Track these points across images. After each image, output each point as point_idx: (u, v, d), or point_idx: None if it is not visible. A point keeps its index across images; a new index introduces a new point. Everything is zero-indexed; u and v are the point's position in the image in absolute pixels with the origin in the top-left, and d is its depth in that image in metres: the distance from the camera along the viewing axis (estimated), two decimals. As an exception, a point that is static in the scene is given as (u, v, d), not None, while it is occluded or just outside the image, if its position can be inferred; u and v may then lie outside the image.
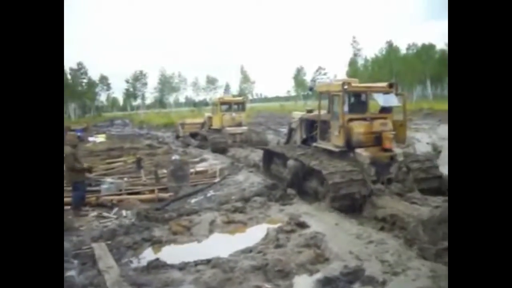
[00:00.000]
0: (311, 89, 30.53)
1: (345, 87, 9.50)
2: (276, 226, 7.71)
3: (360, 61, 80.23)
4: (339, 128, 9.64)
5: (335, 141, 9.90)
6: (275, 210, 9.00)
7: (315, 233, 7.05)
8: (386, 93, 9.85)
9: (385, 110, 10.09)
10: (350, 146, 9.62)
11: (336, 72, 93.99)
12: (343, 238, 6.98)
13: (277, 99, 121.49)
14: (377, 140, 9.54)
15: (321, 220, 8.03)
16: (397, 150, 9.77)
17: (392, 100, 9.84)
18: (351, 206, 8.63)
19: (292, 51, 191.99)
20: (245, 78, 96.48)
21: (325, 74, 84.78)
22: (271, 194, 9.93)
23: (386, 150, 9.55)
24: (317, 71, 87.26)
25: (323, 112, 10.75)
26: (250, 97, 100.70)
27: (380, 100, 9.78)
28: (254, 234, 7.47)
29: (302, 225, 7.62)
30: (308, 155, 10.44)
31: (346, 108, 9.84)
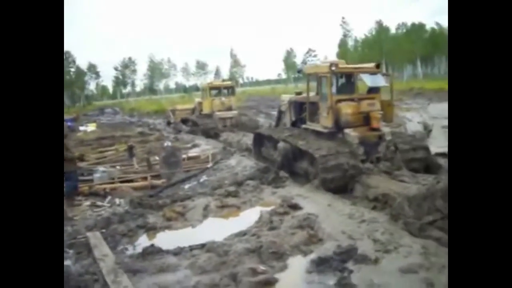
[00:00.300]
0: (299, 71, 30.49)
1: (333, 68, 9.61)
2: (269, 208, 7.77)
3: (350, 42, 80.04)
4: (328, 109, 9.75)
5: (324, 122, 10.02)
6: (268, 193, 9.06)
7: (308, 215, 7.12)
8: (373, 73, 9.97)
9: (373, 90, 10.22)
10: (338, 126, 9.74)
11: (326, 53, 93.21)
12: (335, 218, 7.06)
13: (268, 82, 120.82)
14: (365, 120, 9.68)
15: (313, 202, 8.11)
16: (385, 129, 9.91)
17: (379, 81, 9.98)
18: (342, 178, 8.66)
19: (281, 34, 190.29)
20: (235, 62, 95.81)
21: (315, 56, 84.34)
22: (264, 177, 9.99)
23: (374, 129, 9.70)
24: (307, 53, 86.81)
25: (311, 94, 10.83)
26: (241, 81, 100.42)
27: (368, 80, 9.90)
28: (248, 218, 7.54)
29: (295, 207, 7.69)
30: (295, 136, 10.57)
31: (334, 89, 10.01)
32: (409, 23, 71.74)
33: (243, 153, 14.11)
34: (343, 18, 78.65)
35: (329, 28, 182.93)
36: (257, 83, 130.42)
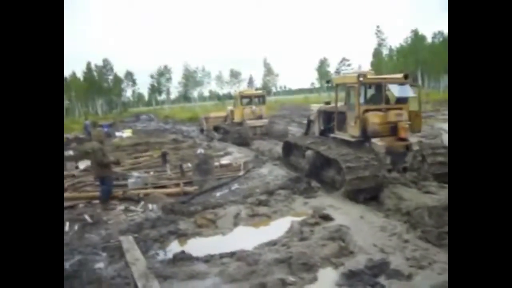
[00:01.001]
0: (328, 81, 30.63)
1: (360, 79, 9.70)
2: (300, 219, 7.71)
3: (385, 51, 78.89)
4: (355, 118, 9.90)
5: (352, 131, 10.17)
6: (299, 203, 8.99)
7: (339, 226, 7.01)
8: (401, 84, 9.98)
9: (401, 100, 10.23)
10: (366, 136, 9.83)
11: (360, 63, 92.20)
12: (368, 231, 6.91)
13: (301, 91, 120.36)
14: (392, 130, 9.76)
15: (345, 213, 7.98)
16: (413, 139, 9.94)
17: (407, 91, 9.98)
18: (367, 181, 8.67)
19: (315, 42, 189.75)
20: (269, 71, 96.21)
21: (349, 65, 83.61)
22: (295, 187, 9.94)
23: (401, 139, 9.74)
24: (341, 62, 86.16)
25: (340, 103, 10.96)
26: (274, 89, 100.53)
27: (395, 91, 9.92)
28: (278, 227, 7.49)
29: (326, 218, 7.59)
30: (321, 144, 10.82)
31: (362, 99, 10.12)
32: (445, 32, 70.15)
33: (275, 162, 14.08)
34: (377, 27, 77.55)
35: (363, 37, 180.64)
36: (290, 92, 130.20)
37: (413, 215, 7.06)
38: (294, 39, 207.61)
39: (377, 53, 78.65)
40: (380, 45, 78.52)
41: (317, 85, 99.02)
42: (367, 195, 8.71)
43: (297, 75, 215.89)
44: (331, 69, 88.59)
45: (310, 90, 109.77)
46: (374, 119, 9.72)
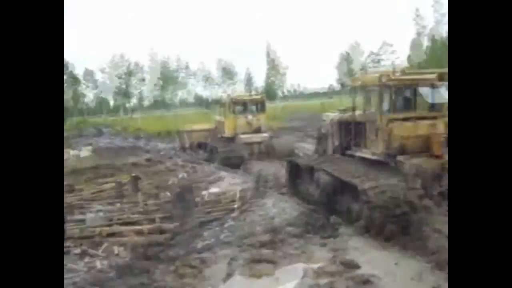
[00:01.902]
0: (342, 84, 31.16)
1: (383, 80, 9.80)
2: (315, 266, 7.70)
3: (426, 43, 79.21)
4: (376, 131, 10.07)
5: (372, 147, 10.35)
6: (314, 245, 8.99)
7: (368, 276, 7.01)
8: (435, 86, 10.08)
9: (435, 107, 10.39)
10: (390, 153, 9.92)
11: (393, 58, 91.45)
12: (405, 283, 6.91)
13: (316, 95, 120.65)
14: (424, 145, 9.92)
15: (375, 259, 7.98)
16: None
17: (443, 96, 10.01)
18: (393, 216, 8.66)
19: (336, 31, 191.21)
20: (273, 67, 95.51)
21: (378, 61, 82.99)
22: (309, 223, 9.95)
23: (436, 157, 9.81)
24: (368, 57, 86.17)
25: (358, 111, 11.09)
26: (280, 93, 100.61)
27: (428, 95, 10.16)
28: (287, 278, 7.47)
29: (351, 265, 7.60)
30: (331, 163, 11.10)
31: (385, 106, 10.22)
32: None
33: (282, 191, 14.08)
34: (417, 10, 77.94)
35: (399, 24, 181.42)
36: (303, 95, 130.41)
37: (441, 253, 7.24)
38: (307, 27, 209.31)
39: (417, 45, 78.90)
40: (419, 34, 78.84)
41: (337, 87, 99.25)
42: (396, 209, 8.62)
43: (312, 73, 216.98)
44: (355, 66, 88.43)
45: (329, 94, 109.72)
46: (401, 131, 9.88)
